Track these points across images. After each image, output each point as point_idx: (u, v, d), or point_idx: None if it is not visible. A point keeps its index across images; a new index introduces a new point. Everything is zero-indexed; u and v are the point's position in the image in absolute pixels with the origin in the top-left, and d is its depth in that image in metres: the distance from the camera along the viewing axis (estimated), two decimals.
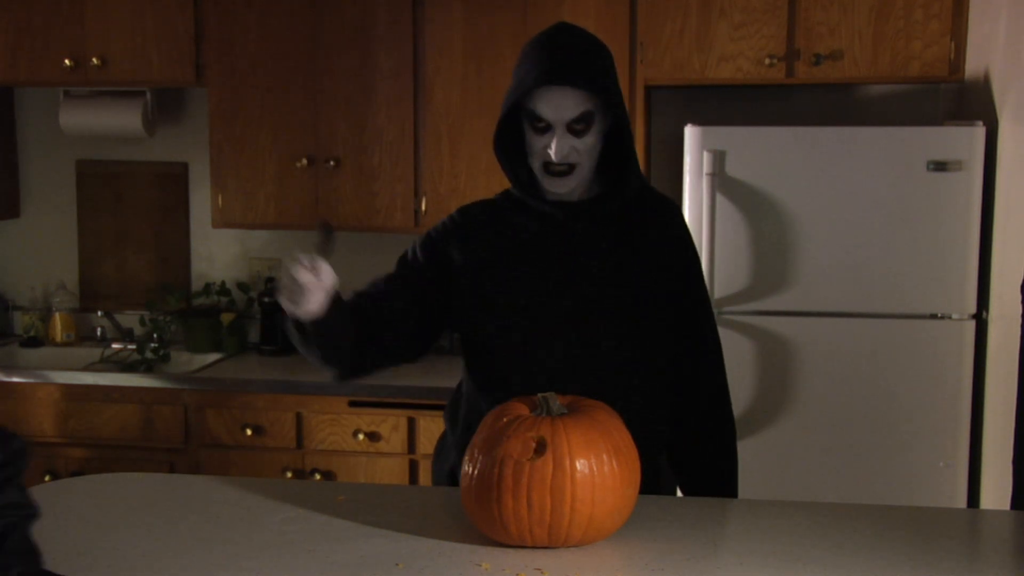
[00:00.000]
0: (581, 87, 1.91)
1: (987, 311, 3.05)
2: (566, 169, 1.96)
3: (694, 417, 2.10)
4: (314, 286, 1.84)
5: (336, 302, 1.91)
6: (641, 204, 2.06)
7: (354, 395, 3.42)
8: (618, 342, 1.99)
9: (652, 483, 2.00)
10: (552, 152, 1.94)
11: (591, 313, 1.98)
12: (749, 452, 3.11)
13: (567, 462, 1.60)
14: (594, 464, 1.61)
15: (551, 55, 1.93)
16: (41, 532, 1.71)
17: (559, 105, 1.92)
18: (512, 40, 3.47)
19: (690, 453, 2.11)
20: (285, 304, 1.84)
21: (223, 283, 3.98)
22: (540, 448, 1.61)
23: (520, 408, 1.72)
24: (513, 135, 2.02)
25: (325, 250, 1.87)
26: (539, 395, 1.71)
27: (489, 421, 1.71)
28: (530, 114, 1.95)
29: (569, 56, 1.93)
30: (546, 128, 1.95)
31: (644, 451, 1.80)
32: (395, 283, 2.09)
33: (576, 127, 1.93)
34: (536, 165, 1.99)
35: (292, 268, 1.82)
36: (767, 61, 3.29)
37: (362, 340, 1.98)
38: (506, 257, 2.03)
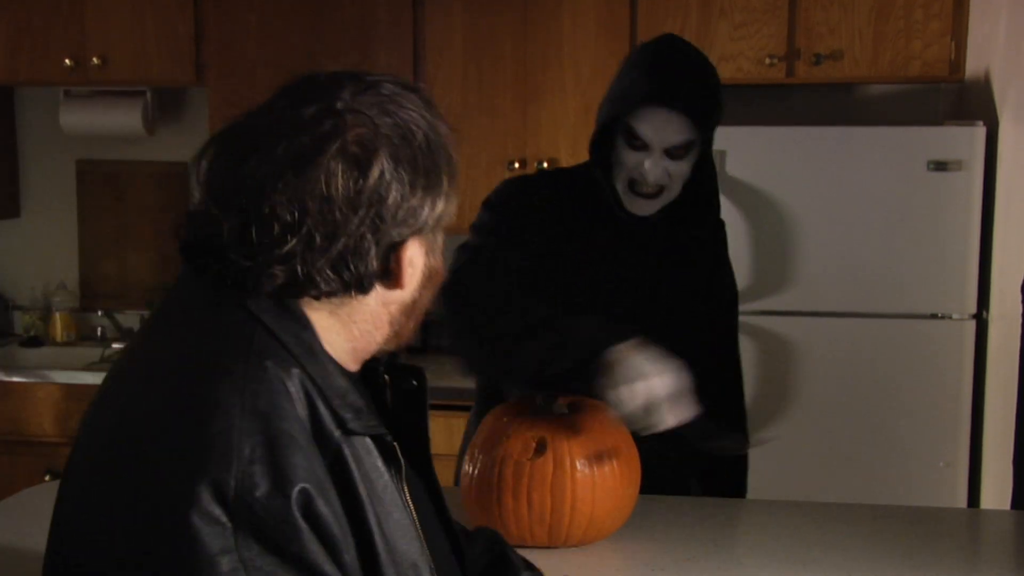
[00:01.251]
0: (689, 115, 1.83)
1: (987, 311, 3.05)
2: (655, 191, 1.89)
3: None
4: None
5: None
6: (700, 225, 2.03)
7: None
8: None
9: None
10: (646, 174, 1.86)
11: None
12: (748, 451, 3.11)
13: (567, 462, 1.60)
14: (594, 464, 1.61)
15: (661, 74, 1.84)
16: (40, 532, 1.72)
17: (663, 128, 1.83)
18: (512, 40, 3.47)
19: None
20: None
21: None
22: (540, 448, 1.61)
23: (521, 408, 1.72)
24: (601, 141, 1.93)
25: None
26: (540, 395, 1.70)
27: (490, 421, 1.71)
28: (628, 130, 1.86)
29: (681, 78, 1.84)
30: (642, 147, 1.86)
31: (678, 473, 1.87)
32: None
33: (675, 152, 1.86)
34: (621, 181, 1.90)
35: None
36: (767, 61, 3.29)
37: None
38: (564, 250, 1.94)
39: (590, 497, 1.60)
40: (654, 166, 1.85)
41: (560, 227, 1.95)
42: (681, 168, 1.88)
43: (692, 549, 1.65)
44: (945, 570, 1.60)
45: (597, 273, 1.94)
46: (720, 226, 2.09)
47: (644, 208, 1.91)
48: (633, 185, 1.89)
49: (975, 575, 1.63)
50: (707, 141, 1.92)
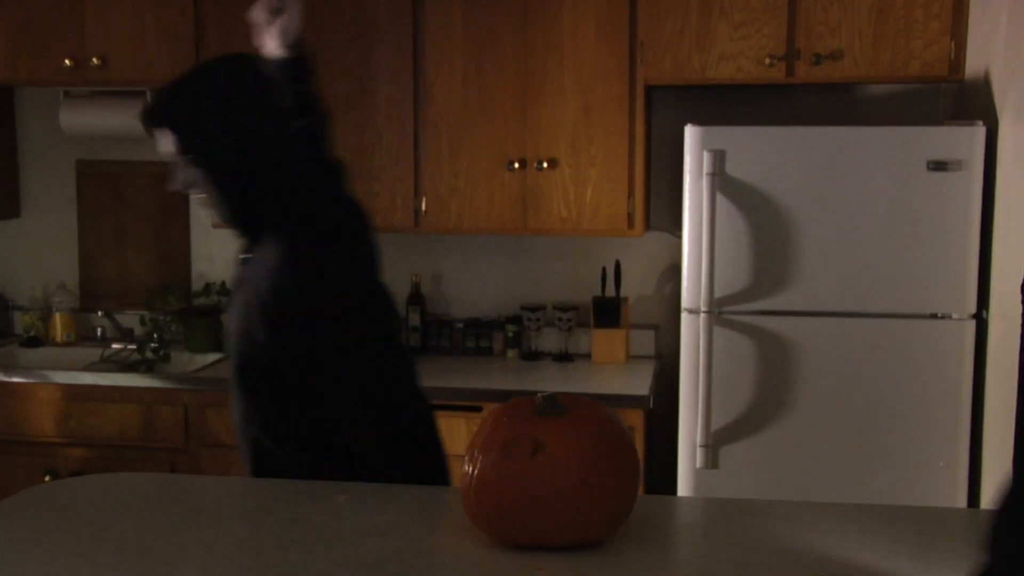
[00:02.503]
0: (168, 128, 2.02)
1: (987, 311, 3.04)
2: (204, 200, 2.07)
3: None
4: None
5: None
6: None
7: None
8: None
9: None
10: (172, 181, 2.06)
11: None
12: (747, 452, 3.11)
13: (564, 461, 1.59)
14: (592, 463, 1.60)
15: (147, 103, 2.13)
16: (40, 532, 1.72)
17: (162, 145, 2.04)
18: (512, 40, 3.47)
19: None
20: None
21: (223, 283, 3.97)
22: (538, 447, 1.61)
23: (522, 408, 1.71)
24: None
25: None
26: (540, 394, 1.70)
27: (490, 421, 1.71)
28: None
29: (157, 96, 2.08)
30: None
31: None
32: None
33: (182, 160, 2.02)
34: None
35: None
36: (767, 61, 3.29)
37: None
38: None
39: (587, 497, 1.59)
40: (176, 172, 2.05)
41: None
42: (195, 173, 2.01)
43: (690, 549, 1.65)
44: (945, 570, 1.59)
45: None
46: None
47: (208, 216, 2.18)
48: None
49: None
50: (198, 149, 2.01)
